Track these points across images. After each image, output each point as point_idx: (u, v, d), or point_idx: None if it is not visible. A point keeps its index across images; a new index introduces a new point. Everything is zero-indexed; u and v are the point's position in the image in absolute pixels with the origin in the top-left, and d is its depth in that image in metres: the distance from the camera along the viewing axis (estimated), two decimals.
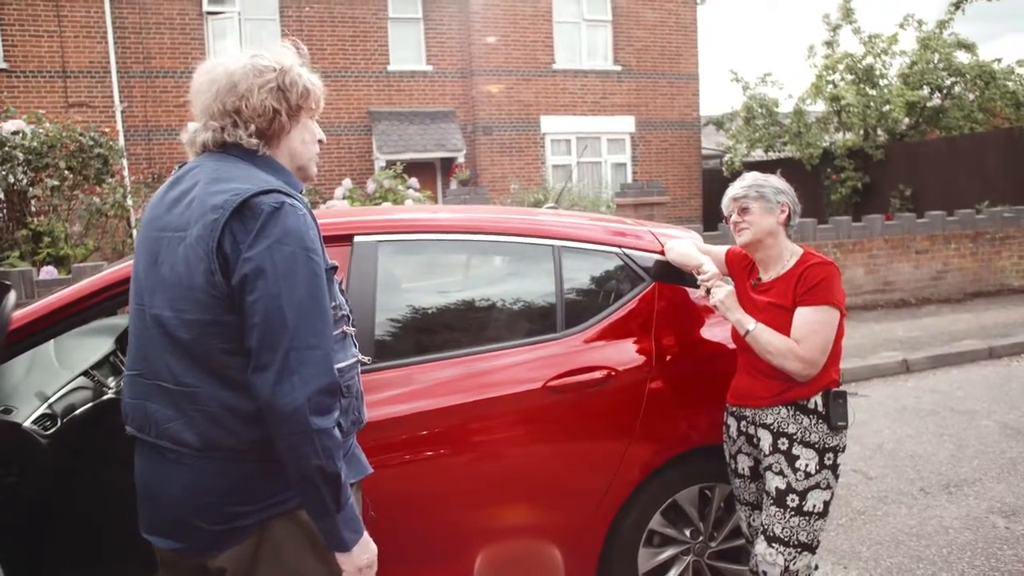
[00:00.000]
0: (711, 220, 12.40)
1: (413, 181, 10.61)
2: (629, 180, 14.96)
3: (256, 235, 1.39)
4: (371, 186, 10.49)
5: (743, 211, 2.32)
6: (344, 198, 10.37)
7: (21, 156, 7.93)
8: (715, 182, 16.06)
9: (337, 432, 1.42)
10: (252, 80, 1.49)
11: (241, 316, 1.40)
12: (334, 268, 1.57)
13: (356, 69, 13.79)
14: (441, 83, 14.42)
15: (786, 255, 2.34)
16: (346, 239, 2.27)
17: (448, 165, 14.14)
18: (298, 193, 1.52)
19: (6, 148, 7.92)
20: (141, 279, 1.54)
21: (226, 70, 1.51)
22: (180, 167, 1.61)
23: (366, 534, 1.49)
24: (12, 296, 1.63)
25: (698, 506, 2.63)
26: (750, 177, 2.38)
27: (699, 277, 2.41)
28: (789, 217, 2.33)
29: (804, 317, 2.22)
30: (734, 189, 2.37)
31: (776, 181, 2.36)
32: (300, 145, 1.60)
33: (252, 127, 1.51)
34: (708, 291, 2.37)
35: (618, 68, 15.23)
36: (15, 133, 8.05)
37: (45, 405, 2.42)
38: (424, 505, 2.22)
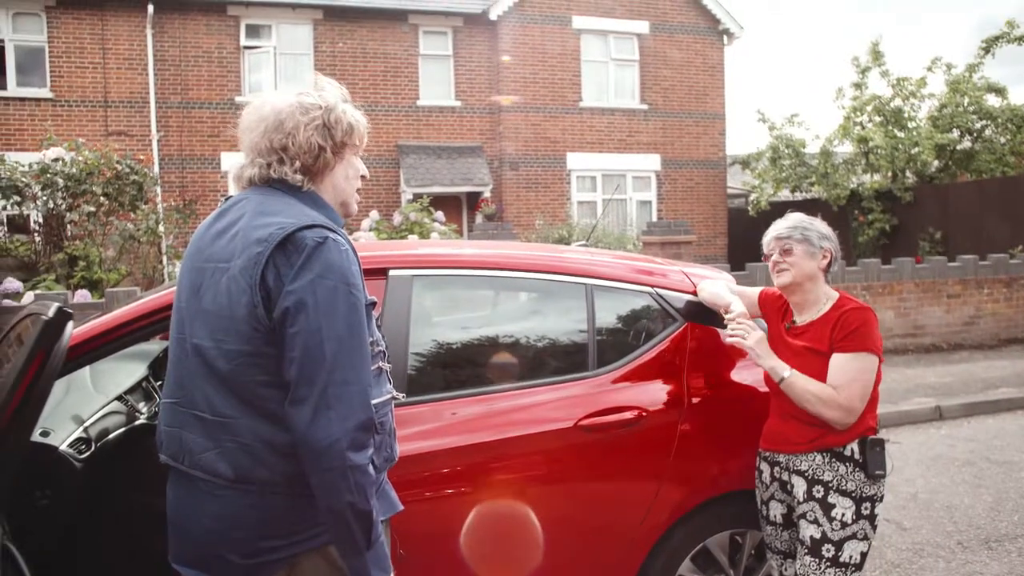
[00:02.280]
0: (736, 259, 12.33)
1: (439, 215, 10.74)
2: (654, 218, 14.97)
3: (299, 269, 1.40)
4: (397, 218, 10.63)
5: (785, 252, 2.29)
6: (371, 230, 10.51)
7: (61, 182, 8.17)
8: (740, 221, 16.02)
9: (371, 469, 1.41)
10: (298, 118, 1.53)
11: (281, 349, 1.40)
12: (373, 304, 1.58)
13: (386, 103, 14.07)
14: (469, 118, 14.65)
15: (823, 299, 2.30)
16: (381, 272, 2.29)
17: (474, 199, 14.28)
18: (340, 228, 1.54)
19: (48, 175, 8.16)
20: (183, 308, 1.55)
21: (273, 108, 1.54)
22: (226, 200, 1.64)
23: (393, 574, 1.47)
24: (71, 325, 1.67)
25: (729, 553, 2.57)
26: (794, 218, 2.34)
27: (726, 316, 2.38)
28: (830, 263, 2.30)
29: (842, 364, 2.18)
30: (778, 228, 2.33)
31: (821, 226, 2.33)
32: (344, 181, 1.62)
33: (297, 163, 1.54)
34: (735, 333, 2.33)
35: (645, 107, 15.37)
36: (55, 160, 8.31)
37: (81, 429, 2.45)
38: (449, 542, 2.19)
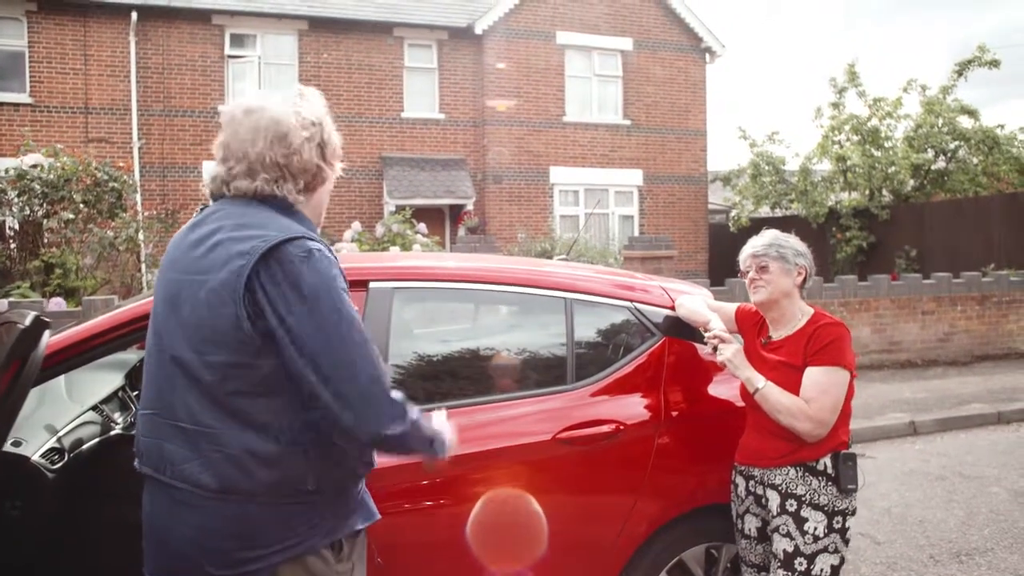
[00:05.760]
0: (717, 275, 12.45)
1: (422, 227, 10.72)
2: (636, 233, 15.08)
3: (289, 285, 1.40)
4: (380, 230, 10.60)
5: (762, 269, 2.33)
6: (353, 241, 10.47)
7: (38, 188, 8.07)
8: (721, 237, 16.20)
9: (412, 419, 1.52)
10: (301, 134, 1.52)
11: (281, 360, 1.42)
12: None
13: (370, 115, 14.09)
14: (453, 131, 14.70)
15: (798, 315, 2.35)
16: (362, 285, 2.29)
17: (457, 212, 14.30)
18: (319, 238, 1.55)
19: (25, 180, 8.06)
20: (160, 320, 1.54)
21: (273, 118, 1.51)
22: (202, 209, 1.62)
23: (446, 433, 1.66)
24: (47, 334, 1.65)
25: (704, 566, 2.59)
26: (770, 235, 2.39)
27: (706, 334, 2.41)
28: (805, 280, 2.35)
29: (814, 378, 2.22)
30: (754, 246, 2.37)
31: (796, 243, 2.38)
32: (325, 196, 1.66)
33: (301, 182, 1.55)
34: (715, 348, 2.37)
35: (627, 122, 15.52)
36: (34, 166, 8.21)
37: (54, 439, 2.42)
38: (428, 554, 2.19)
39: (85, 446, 2.57)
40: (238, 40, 13.61)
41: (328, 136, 1.58)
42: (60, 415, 2.60)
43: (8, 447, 2.20)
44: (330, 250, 1.51)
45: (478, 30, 14.29)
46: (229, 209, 1.53)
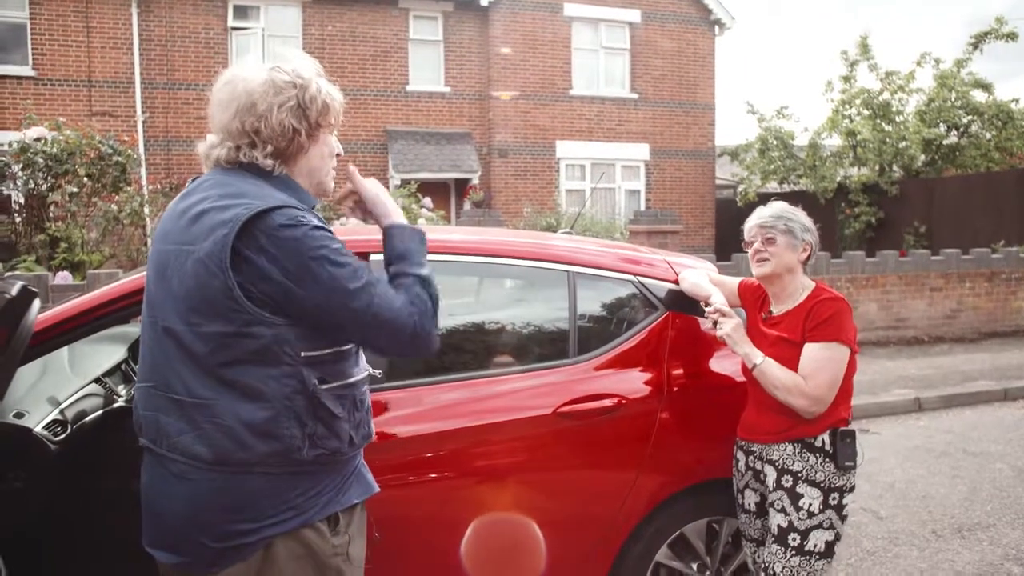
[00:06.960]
0: (724, 250, 12.38)
1: (427, 201, 10.68)
2: (642, 207, 14.98)
3: (279, 253, 1.38)
4: None
5: (768, 241, 2.28)
6: None
7: (42, 162, 8.06)
8: (728, 212, 16.08)
9: (428, 308, 1.54)
10: (271, 99, 1.48)
11: (292, 328, 1.42)
12: None
13: (375, 88, 13.96)
14: (459, 104, 14.56)
15: (800, 289, 2.31)
16: (363, 256, 2.27)
17: (462, 186, 14.22)
18: (312, 209, 1.51)
19: (28, 154, 8.04)
20: (152, 291, 1.53)
21: (246, 87, 1.50)
22: (193, 180, 1.60)
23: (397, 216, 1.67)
24: (36, 303, 1.63)
25: (706, 540, 2.59)
26: (778, 207, 2.33)
27: (706, 309, 2.39)
28: (809, 256, 2.31)
29: (812, 353, 2.18)
30: (761, 216, 2.32)
31: (804, 217, 2.33)
32: (318, 160, 1.59)
33: (269, 147, 1.50)
34: (715, 323, 2.35)
35: (635, 96, 15.34)
36: (37, 140, 8.18)
37: (56, 411, 2.42)
38: (428, 527, 2.20)
39: (88, 418, 2.58)
40: (241, 12, 13.46)
41: (311, 98, 1.52)
42: (63, 387, 2.60)
43: (10, 418, 2.21)
44: (319, 217, 1.49)
45: (484, 2, 14.09)
46: (218, 179, 1.51)
